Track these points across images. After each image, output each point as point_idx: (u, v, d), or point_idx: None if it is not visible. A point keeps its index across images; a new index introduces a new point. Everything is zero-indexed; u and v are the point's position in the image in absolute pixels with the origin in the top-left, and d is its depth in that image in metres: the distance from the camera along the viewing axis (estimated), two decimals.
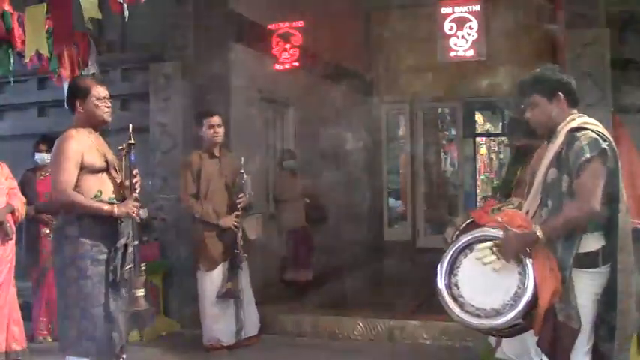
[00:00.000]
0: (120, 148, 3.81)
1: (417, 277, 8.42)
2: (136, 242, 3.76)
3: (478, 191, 13.48)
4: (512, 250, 2.96)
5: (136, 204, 3.77)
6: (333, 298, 7.30)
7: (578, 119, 3.05)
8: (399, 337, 5.68)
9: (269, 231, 6.88)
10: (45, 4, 4.84)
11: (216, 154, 5.51)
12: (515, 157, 4.78)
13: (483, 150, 15.08)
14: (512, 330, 3.09)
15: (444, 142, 13.94)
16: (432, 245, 8.71)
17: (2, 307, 4.91)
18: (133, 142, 3.77)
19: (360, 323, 5.79)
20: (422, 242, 11.48)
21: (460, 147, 12.31)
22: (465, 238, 3.15)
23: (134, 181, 3.81)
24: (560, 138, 3.02)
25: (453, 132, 13.07)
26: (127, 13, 4.23)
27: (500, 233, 3.04)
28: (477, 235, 3.13)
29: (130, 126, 3.77)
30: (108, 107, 3.85)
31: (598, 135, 2.93)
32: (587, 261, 2.91)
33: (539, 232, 2.91)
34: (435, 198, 12.66)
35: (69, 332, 3.71)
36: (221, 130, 5.49)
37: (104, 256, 3.69)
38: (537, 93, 3.10)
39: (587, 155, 2.85)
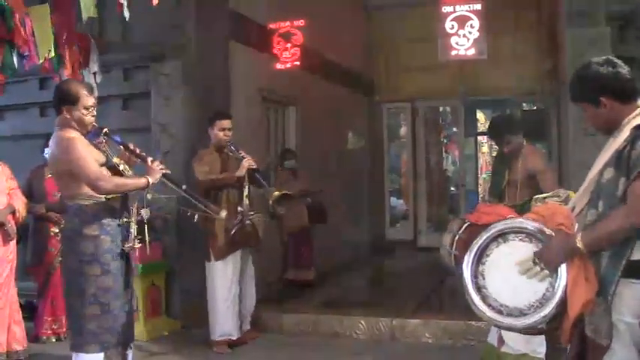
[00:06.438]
0: (98, 141, 3.92)
1: (418, 276, 8.45)
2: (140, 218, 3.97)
3: (480, 190, 13.45)
4: (555, 262, 2.64)
5: (156, 162, 3.96)
6: (335, 298, 7.30)
7: None
8: (400, 336, 5.68)
9: (270, 230, 6.88)
10: (47, 4, 4.82)
11: (223, 153, 5.59)
12: (501, 159, 4.82)
13: (485, 148, 15.03)
14: (531, 331, 2.87)
15: (446, 140, 13.95)
16: (434, 244, 8.60)
17: (3, 307, 4.91)
18: (105, 128, 3.91)
19: (362, 322, 5.79)
20: (423, 241, 11.46)
21: (461, 146, 12.29)
22: (499, 226, 2.84)
23: (137, 150, 3.95)
24: (623, 134, 2.62)
25: (455, 130, 13.07)
26: (127, 13, 4.22)
27: (536, 225, 2.76)
28: (511, 224, 2.84)
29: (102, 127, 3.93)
30: (93, 116, 3.88)
31: None
32: (633, 271, 2.51)
33: (579, 243, 2.57)
34: (436, 197, 12.66)
35: (85, 330, 3.74)
36: (230, 134, 5.56)
37: (119, 250, 3.82)
38: (583, 100, 2.74)
39: None
